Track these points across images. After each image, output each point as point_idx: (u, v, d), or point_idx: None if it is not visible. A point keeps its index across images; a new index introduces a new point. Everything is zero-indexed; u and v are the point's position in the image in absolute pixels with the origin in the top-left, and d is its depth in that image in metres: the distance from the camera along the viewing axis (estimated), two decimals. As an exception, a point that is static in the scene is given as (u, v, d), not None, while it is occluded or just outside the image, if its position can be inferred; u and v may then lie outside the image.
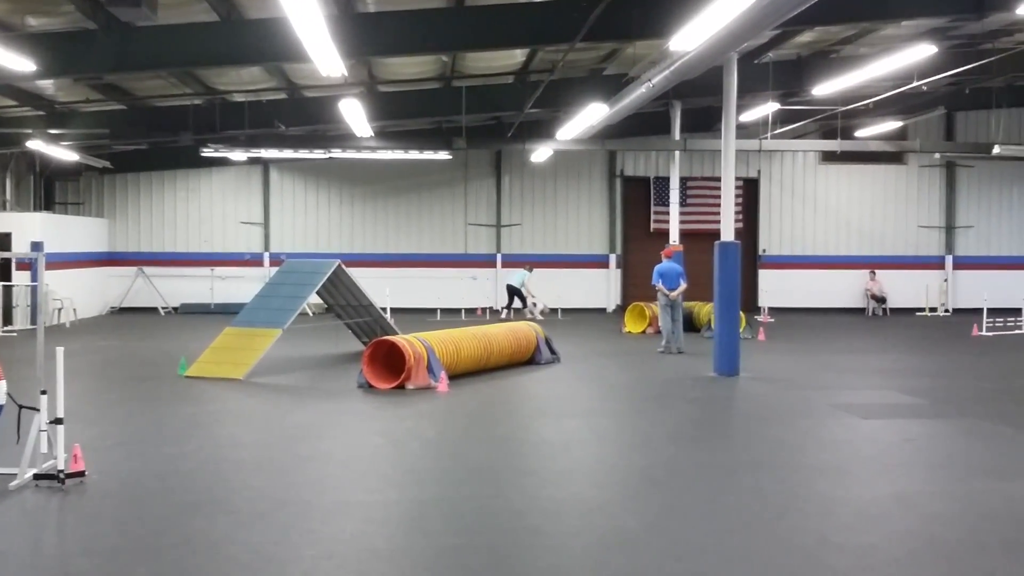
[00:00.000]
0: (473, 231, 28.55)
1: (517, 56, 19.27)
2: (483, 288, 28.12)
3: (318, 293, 16.44)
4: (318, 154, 23.68)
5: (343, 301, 17.29)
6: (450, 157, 25.09)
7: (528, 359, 15.93)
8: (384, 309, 18.92)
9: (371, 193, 28.32)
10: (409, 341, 13.41)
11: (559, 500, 7.52)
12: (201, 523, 6.84)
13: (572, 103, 19.92)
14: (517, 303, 25.44)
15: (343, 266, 16.26)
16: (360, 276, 17.79)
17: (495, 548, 6.29)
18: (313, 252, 26.87)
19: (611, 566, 5.95)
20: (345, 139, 22.01)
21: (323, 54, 11.70)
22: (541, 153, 25.51)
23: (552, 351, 16.39)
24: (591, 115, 18.88)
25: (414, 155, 23.89)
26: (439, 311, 26.12)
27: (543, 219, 28.78)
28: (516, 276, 25.83)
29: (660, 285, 17.98)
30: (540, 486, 7.98)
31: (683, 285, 18.01)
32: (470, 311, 26.64)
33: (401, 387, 13.01)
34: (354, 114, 18.44)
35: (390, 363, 13.54)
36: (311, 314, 24.17)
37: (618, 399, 12.96)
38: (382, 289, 23.26)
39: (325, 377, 14.63)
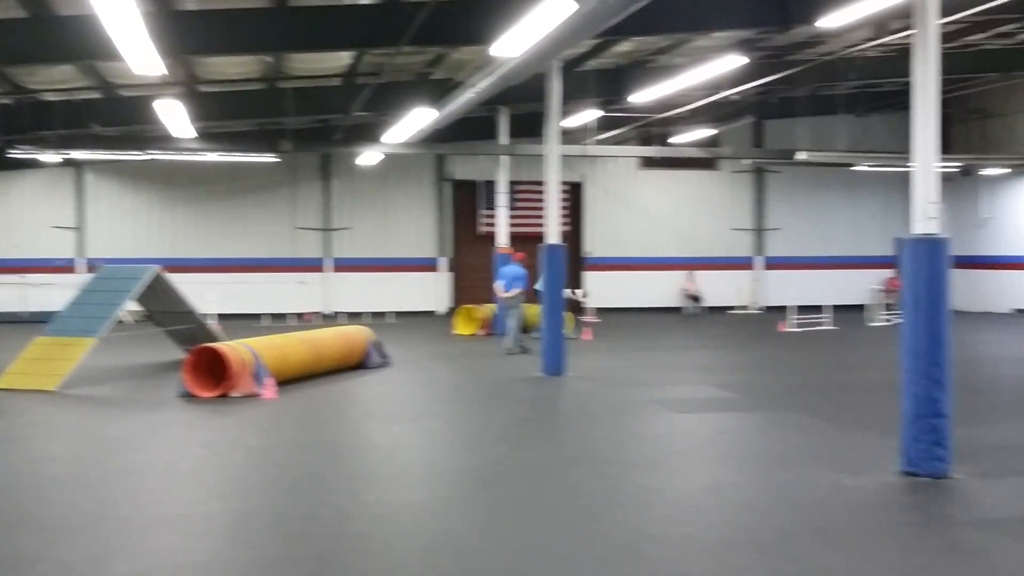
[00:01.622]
0: (302, 235, 28.09)
1: (343, 58, 19.10)
2: (312, 292, 27.71)
3: (137, 300, 15.82)
4: (136, 155, 22.76)
5: (163, 308, 16.70)
6: (277, 160, 24.61)
7: (358, 363, 15.83)
8: (209, 315, 18.39)
9: (195, 196, 27.43)
10: (233, 347, 13.10)
11: (388, 504, 7.53)
12: (12, 541, 6.51)
13: (400, 107, 19.90)
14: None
15: (162, 271, 15.72)
16: (183, 281, 17.19)
17: (322, 556, 6.26)
18: (133, 257, 25.74)
19: (440, 569, 6.02)
20: (165, 140, 21.26)
21: (138, 52, 11.29)
22: (370, 156, 25.36)
23: (382, 355, 16.34)
24: (419, 119, 18.96)
25: (239, 157, 23.33)
26: (266, 316, 25.59)
27: (372, 222, 28.61)
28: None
29: (498, 286, 18.31)
30: (368, 491, 7.97)
31: (516, 289, 18.26)
32: (299, 316, 26.21)
33: (225, 395, 12.70)
34: (173, 114, 17.84)
35: (214, 371, 13.19)
36: (133, 321, 23.21)
37: (447, 401, 13.06)
38: (207, 295, 22.59)
39: (144, 387, 14.10)
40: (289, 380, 13.89)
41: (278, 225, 28.00)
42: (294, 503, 7.58)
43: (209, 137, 22.42)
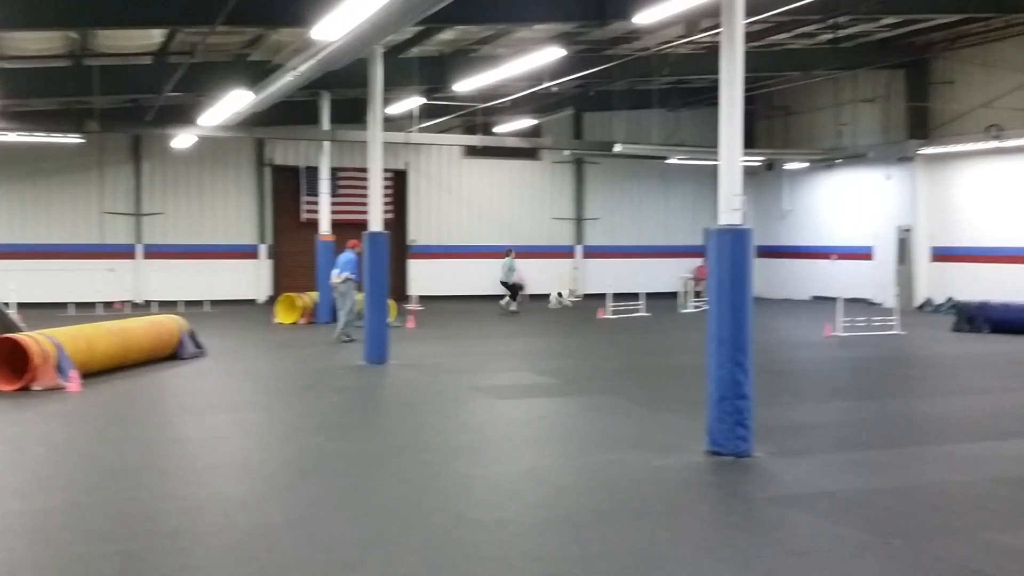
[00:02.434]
0: (110, 220, 26.82)
1: (155, 36, 18.33)
2: (121, 280, 26.51)
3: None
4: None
5: (-44, 297, 15.62)
6: (82, 140, 23.39)
7: (172, 354, 15.28)
8: (7, 304, 17.31)
9: (-10, 177, 25.75)
10: (35, 338, 12.40)
11: (200, 499, 7.32)
12: None
13: (216, 88, 19.27)
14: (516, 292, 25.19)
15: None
16: (-23, 269, 16.16)
17: (130, 554, 6.01)
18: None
19: (253, 563, 5.90)
20: (-44, 118, 19.84)
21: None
22: (184, 139, 24.46)
23: (197, 345, 15.83)
24: (236, 101, 18.44)
25: (41, 138, 22.04)
26: (73, 306, 24.32)
27: (188, 208, 27.63)
28: (501, 271, 25.38)
29: (334, 274, 18.11)
30: (180, 485, 7.72)
31: (344, 274, 17.99)
32: (107, 305, 25.04)
33: (26, 388, 12.00)
34: (-34, 90, 16.69)
35: (13, 363, 12.44)
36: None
37: (266, 392, 12.79)
38: (7, 283, 21.27)
39: (-66, 382, 13.15)
40: (96, 372, 13.26)
41: (85, 210, 26.65)
42: (100, 499, 7.26)
43: (9, 116, 21.07)
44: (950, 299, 24.26)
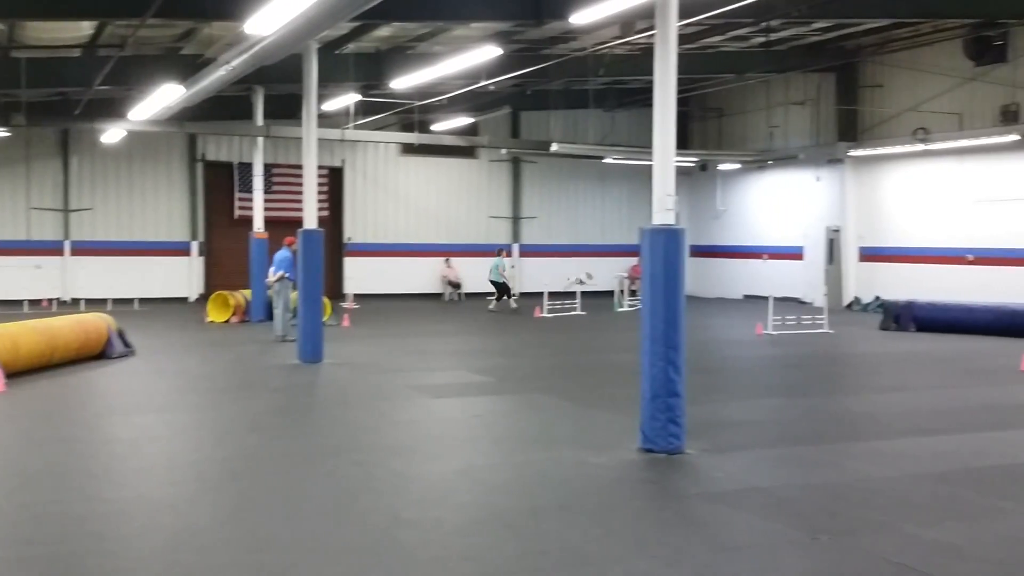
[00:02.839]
0: (37, 216, 26.19)
1: (85, 28, 17.94)
2: (48, 278, 25.90)
3: None
4: None
5: None
6: (8, 134, 22.81)
7: (99, 353, 14.96)
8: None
9: (-91, 171, 24.98)
10: (-45, 338, 12.05)
11: (127, 501, 7.18)
12: None
13: (147, 82, 18.95)
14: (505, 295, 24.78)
15: None
16: None
17: (54, 558, 5.87)
18: None
19: (181, 566, 5.79)
20: None
21: None
22: (114, 133, 23.98)
23: (126, 344, 15.53)
24: (167, 95, 18.14)
25: (-38, 130, 21.46)
26: (-4, 303, 23.73)
27: (117, 204, 27.10)
28: (492, 270, 24.92)
29: (271, 272, 17.91)
30: (107, 487, 7.56)
31: (279, 273, 17.78)
32: (34, 303, 24.44)
33: (-54, 390, 11.67)
34: None
35: (-68, 363, 12.08)
36: None
37: (197, 392, 12.59)
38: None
39: None
40: (22, 372, 12.94)
41: (11, 205, 26.01)
42: (23, 502, 7.08)
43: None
44: (877, 298, 24.81)
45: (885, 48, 24.66)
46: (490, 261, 26.13)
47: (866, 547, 6.14)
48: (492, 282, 25.62)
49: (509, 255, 25.97)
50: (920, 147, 23.78)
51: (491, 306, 25.14)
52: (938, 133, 23.48)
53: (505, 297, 25.44)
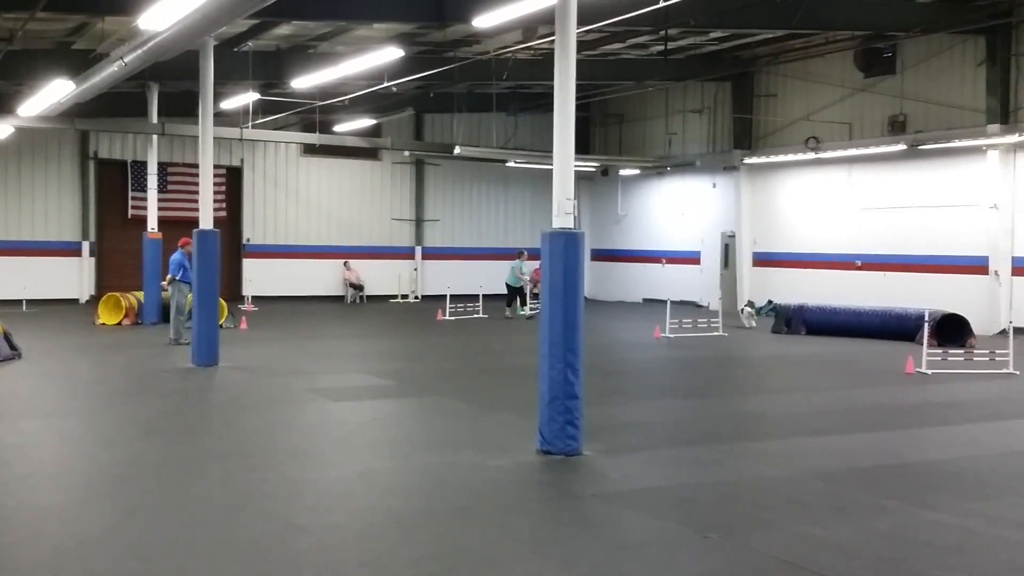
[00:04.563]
0: (-84, 213, 25.08)
1: (-33, 19, 17.25)
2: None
3: None
4: None
5: None
6: None
7: (-18, 357, 14.40)
8: None
9: None
10: None
11: (11, 509, 6.92)
12: None
13: (36, 77, 18.31)
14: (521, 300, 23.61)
15: None
16: None
17: (-73, 570, 5.64)
18: None
19: (66, 574, 5.61)
20: None
21: None
22: (1, 130, 23.08)
23: (12, 346, 14.96)
24: (57, 91, 17.58)
25: None
26: None
27: (5, 202, 26.12)
28: (510, 272, 23.79)
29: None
30: (-13, 496, 7.28)
31: (170, 275, 17.43)
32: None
33: None
34: None
35: None
36: None
37: (87, 396, 12.20)
38: None
39: None
40: None
41: None
42: None
43: None
44: (770, 302, 25.46)
45: (779, 59, 25.36)
46: (393, 264, 25.93)
47: (756, 545, 6.30)
48: (507, 285, 24.57)
49: (529, 258, 24.38)
50: (812, 156, 24.51)
51: (507, 312, 24.13)
52: (829, 142, 24.24)
53: (517, 302, 24.24)
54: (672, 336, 19.56)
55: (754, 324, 21.94)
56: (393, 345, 18.58)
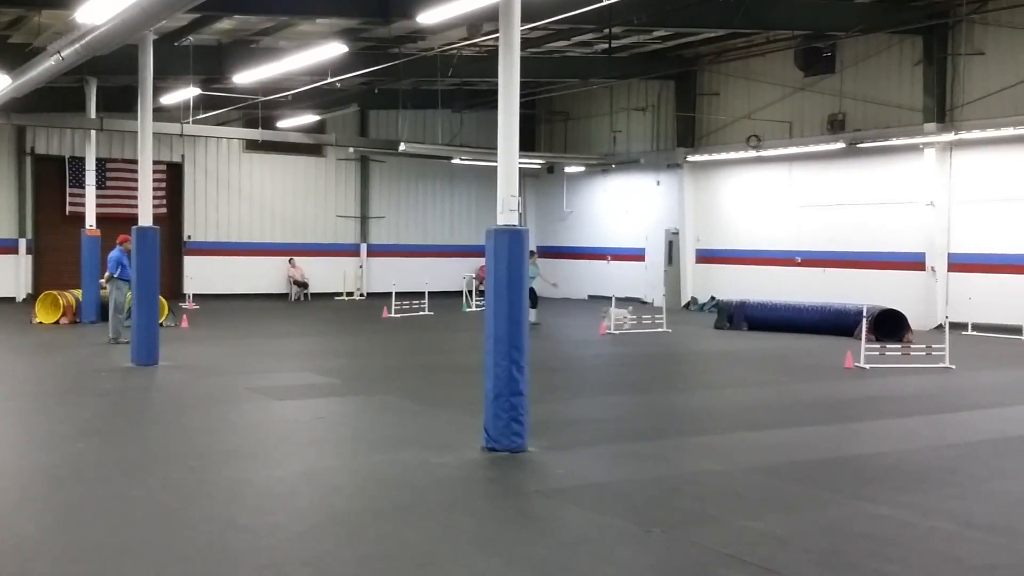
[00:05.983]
0: None
1: None
2: None
3: None
4: None
5: None
6: None
7: (-88, 357, 14.03)
8: None
9: None
10: None
11: (-59, 513, 6.76)
12: None
13: (-32, 70, 17.85)
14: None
15: None
16: None
17: None
18: None
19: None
20: None
21: None
22: (-69, 124, 22.55)
23: (-57, 347, 14.62)
24: (-9, 85, 17.17)
25: None
26: None
27: (-64, 198, 25.49)
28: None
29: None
30: (-82, 500, 7.10)
31: (108, 273, 17.11)
32: None
33: None
34: None
35: None
36: None
37: (22, 396, 11.94)
38: None
39: None
40: None
41: None
42: None
43: None
44: (713, 298, 25.75)
45: (722, 58, 25.63)
46: (338, 261, 25.69)
47: (697, 539, 6.37)
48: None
49: (538, 257, 23.77)
50: (753, 154, 24.81)
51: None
52: (770, 140, 24.56)
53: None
54: (617, 332, 19.68)
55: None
56: (338, 343, 18.46)
